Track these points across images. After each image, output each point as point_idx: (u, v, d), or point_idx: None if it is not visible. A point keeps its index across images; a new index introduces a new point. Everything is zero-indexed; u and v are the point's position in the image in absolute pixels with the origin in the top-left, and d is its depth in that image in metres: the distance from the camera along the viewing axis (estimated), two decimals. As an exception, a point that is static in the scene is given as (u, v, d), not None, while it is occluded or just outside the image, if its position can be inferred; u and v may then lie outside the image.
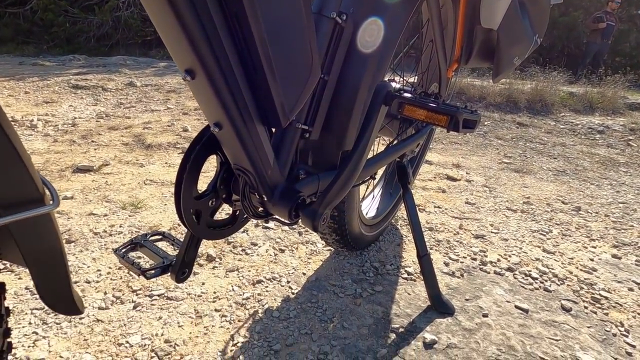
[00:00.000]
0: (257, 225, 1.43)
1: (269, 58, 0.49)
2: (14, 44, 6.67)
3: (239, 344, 0.91)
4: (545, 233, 1.56)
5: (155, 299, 1.03)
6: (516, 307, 1.08)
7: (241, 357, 0.87)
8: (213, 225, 0.73)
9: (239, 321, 0.98)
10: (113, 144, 2.27)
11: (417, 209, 1.70)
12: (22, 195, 0.31)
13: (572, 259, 1.38)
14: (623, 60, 8.15)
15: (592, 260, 1.38)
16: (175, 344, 0.90)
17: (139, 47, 6.99)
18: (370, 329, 0.98)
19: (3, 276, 1.08)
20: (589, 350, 0.94)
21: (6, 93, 3.20)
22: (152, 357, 0.86)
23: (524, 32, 1.00)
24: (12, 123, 2.47)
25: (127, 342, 0.89)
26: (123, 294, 1.04)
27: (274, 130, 0.69)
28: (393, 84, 1.03)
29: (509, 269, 1.27)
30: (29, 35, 7.03)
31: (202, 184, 0.67)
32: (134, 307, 1.00)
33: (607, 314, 1.10)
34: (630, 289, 1.22)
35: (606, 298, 1.16)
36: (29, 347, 0.85)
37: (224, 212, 1.39)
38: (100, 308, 0.99)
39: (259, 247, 1.31)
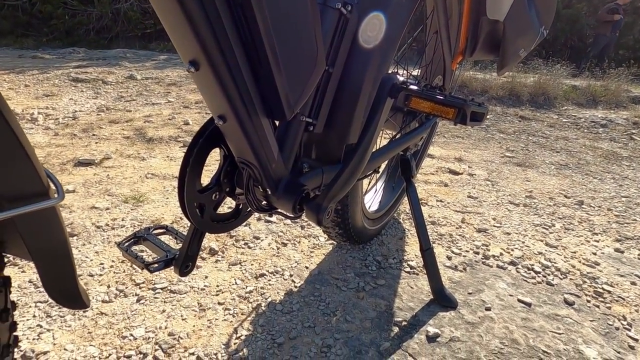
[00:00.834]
0: (259, 219, 1.43)
1: (274, 49, 0.48)
2: (13, 37, 6.63)
3: (243, 337, 0.91)
4: (548, 227, 1.55)
5: (159, 292, 1.03)
6: (519, 300, 1.08)
7: (245, 350, 0.87)
8: (216, 219, 0.73)
9: (242, 314, 0.98)
10: (114, 138, 2.26)
11: (419, 202, 1.69)
12: (27, 188, 0.30)
13: (574, 252, 1.38)
14: (627, 53, 8.08)
15: (594, 254, 1.38)
16: (179, 337, 0.90)
17: (139, 39, 6.94)
18: (373, 322, 0.98)
19: (7, 270, 1.08)
20: (591, 343, 0.94)
21: (6, 86, 3.18)
22: (156, 350, 0.86)
23: (531, 23, 0.98)
24: (13, 116, 2.47)
25: (131, 334, 0.89)
26: (126, 287, 1.04)
27: (277, 123, 0.68)
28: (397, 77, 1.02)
29: (512, 263, 1.27)
30: (28, 27, 6.98)
31: (206, 178, 0.66)
32: (138, 300, 1.00)
33: (609, 308, 1.10)
34: (633, 283, 1.22)
35: (609, 292, 1.16)
36: (33, 339, 0.86)
37: (226, 205, 1.38)
38: (103, 301, 0.99)
39: (262, 240, 1.31)
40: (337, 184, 0.64)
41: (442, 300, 1.04)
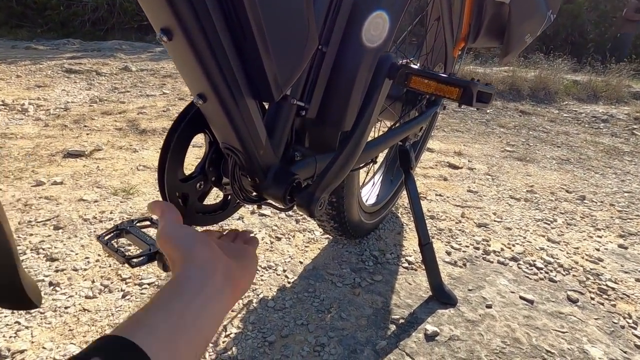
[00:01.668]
0: (253, 212, 1.38)
1: (260, 22, 0.43)
2: (7, 28, 6.51)
3: (232, 335, 0.87)
4: (549, 222, 1.51)
5: (146, 288, 0.99)
6: (521, 297, 1.04)
7: (234, 348, 0.83)
8: (202, 211, 0.68)
9: (232, 311, 0.94)
10: (106, 129, 2.20)
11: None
12: None
13: (577, 248, 1.34)
14: (629, 49, 8.01)
15: (598, 250, 1.34)
16: (165, 334, 0.85)
17: (135, 31, 6.83)
18: (370, 320, 0.94)
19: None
20: (597, 343, 0.91)
21: (-3, 77, 3.11)
22: (140, 349, 0.82)
23: (538, 7, 0.93)
24: (3, 107, 2.40)
25: (115, 332, 0.85)
26: (112, 283, 1.00)
27: (267, 107, 0.63)
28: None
29: (513, 259, 1.23)
30: (22, 18, 6.86)
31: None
32: (123, 296, 0.96)
33: (614, 306, 1.06)
34: (638, 280, 1.18)
35: (613, 289, 1.12)
36: (10, 337, 0.81)
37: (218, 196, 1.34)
38: (87, 297, 0.95)
39: (255, 234, 1.26)
40: (330, 172, 0.60)
41: (441, 297, 1.00)
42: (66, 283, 0.98)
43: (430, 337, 0.89)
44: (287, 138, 0.64)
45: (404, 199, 1.55)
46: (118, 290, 0.97)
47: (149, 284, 1.00)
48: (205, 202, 0.68)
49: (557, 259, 1.26)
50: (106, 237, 0.74)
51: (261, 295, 0.99)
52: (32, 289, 0.32)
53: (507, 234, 1.39)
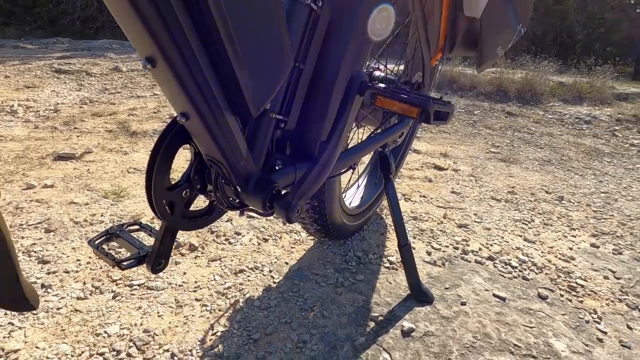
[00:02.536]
0: (241, 214, 1.42)
1: (235, 46, 0.48)
2: (-5, 26, 6.43)
3: (219, 333, 0.91)
4: (527, 222, 1.58)
5: (135, 289, 1.03)
6: (494, 295, 1.10)
7: (220, 346, 0.87)
8: (188, 216, 0.72)
9: (219, 311, 0.98)
10: (96, 131, 2.22)
11: (403, 198, 1.71)
12: None
13: (551, 247, 1.40)
14: (614, 50, 8.18)
15: (571, 249, 1.41)
16: (154, 333, 0.90)
17: (126, 30, 6.79)
18: (350, 318, 0.99)
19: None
20: (561, 337, 0.97)
21: (-15, 77, 3.10)
22: (130, 347, 0.86)
23: (508, 21, 0.98)
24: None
25: (106, 332, 0.89)
26: (102, 284, 1.03)
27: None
28: (377, 73, 1.02)
29: (490, 258, 1.29)
30: (10, 16, 6.78)
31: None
32: (113, 297, 0.99)
33: (581, 302, 1.12)
34: (606, 277, 1.25)
35: (582, 286, 1.19)
36: (3, 338, 0.85)
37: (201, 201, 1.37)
38: (78, 298, 0.98)
39: (243, 236, 1.30)
40: (306, 181, 0.64)
41: (418, 295, 1.06)
42: (58, 285, 1.02)
43: (406, 333, 0.94)
44: (268, 148, 0.69)
45: (388, 200, 1.60)
46: (109, 292, 1.01)
47: (139, 285, 1.04)
48: (191, 208, 0.72)
49: (532, 257, 1.32)
50: (97, 242, 0.78)
51: (247, 295, 1.04)
52: (29, 291, 0.36)
53: (486, 234, 1.45)
